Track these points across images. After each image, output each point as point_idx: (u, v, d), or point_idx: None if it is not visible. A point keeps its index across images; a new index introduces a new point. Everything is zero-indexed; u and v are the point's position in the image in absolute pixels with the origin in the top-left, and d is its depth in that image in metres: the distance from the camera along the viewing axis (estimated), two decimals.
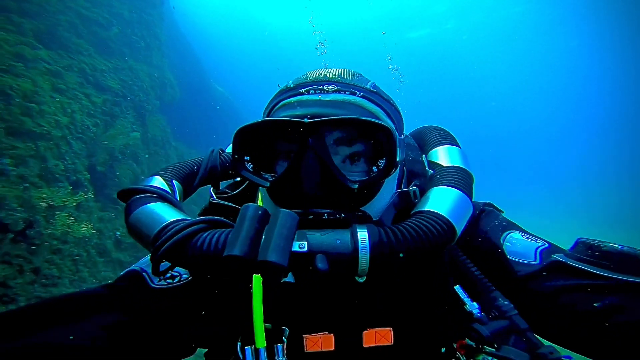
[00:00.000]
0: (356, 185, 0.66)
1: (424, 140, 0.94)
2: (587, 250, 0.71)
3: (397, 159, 0.68)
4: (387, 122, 0.74)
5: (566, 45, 32.36)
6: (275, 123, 0.66)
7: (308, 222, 0.64)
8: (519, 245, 0.79)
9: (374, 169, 0.70)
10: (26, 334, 0.63)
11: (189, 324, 0.81)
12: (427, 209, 0.67)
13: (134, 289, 0.79)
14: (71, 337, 0.65)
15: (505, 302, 0.71)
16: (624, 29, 22.55)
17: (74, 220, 4.36)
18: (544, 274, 0.72)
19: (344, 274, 0.59)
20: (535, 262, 0.75)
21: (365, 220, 0.67)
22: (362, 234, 0.59)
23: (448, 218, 0.64)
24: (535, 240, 0.81)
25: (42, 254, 4.35)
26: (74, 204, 4.67)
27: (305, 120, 0.64)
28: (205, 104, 13.43)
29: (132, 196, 0.73)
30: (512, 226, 0.86)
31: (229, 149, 1.20)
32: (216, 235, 0.60)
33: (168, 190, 0.78)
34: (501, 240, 0.81)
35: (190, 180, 0.89)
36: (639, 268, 0.64)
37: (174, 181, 0.83)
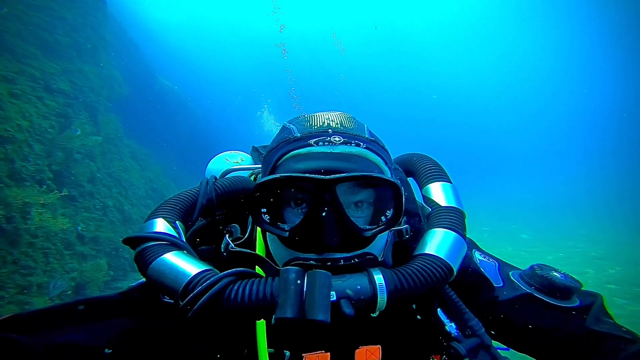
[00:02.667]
0: (369, 234, 0.72)
1: (415, 170, 1.02)
2: (535, 277, 0.91)
3: (403, 210, 0.75)
4: (388, 173, 0.82)
5: (560, 39, 32.63)
6: (296, 179, 0.71)
7: (325, 268, 0.69)
8: (486, 268, 0.95)
9: (383, 218, 0.76)
10: (49, 331, 0.68)
11: (191, 343, 0.84)
12: (428, 252, 0.75)
13: (146, 301, 0.82)
14: (88, 337, 0.70)
15: (475, 322, 0.83)
16: (619, 21, 22.90)
17: (50, 216, 4.89)
18: (520, 301, 0.89)
19: (364, 313, 0.66)
20: (501, 285, 0.92)
21: (375, 263, 0.73)
22: (379, 279, 0.66)
23: (448, 262, 0.73)
24: (489, 260, 0.99)
25: (20, 247, 4.85)
26: (50, 202, 5.17)
27: (327, 177, 0.69)
28: (153, 98, 13.50)
29: (140, 244, 0.73)
30: (471, 244, 1.00)
31: (211, 166, 1.37)
32: (247, 287, 0.63)
33: (175, 234, 0.78)
34: (473, 259, 0.95)
35: (189, 216, 0.89)
36: (569, 294, 0.88)
37: (177, 222, 0.83)
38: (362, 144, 0.78)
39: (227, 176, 1.08)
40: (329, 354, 0.82)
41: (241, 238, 0.90)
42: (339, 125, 0.80)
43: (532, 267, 0.95)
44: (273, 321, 0.61)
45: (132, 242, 0.75)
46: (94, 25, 8.34)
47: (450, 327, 0.84)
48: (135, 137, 10.81)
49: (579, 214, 16.88)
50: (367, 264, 0.72)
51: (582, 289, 0.91)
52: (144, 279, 0.81)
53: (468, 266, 0.92)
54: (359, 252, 0.73)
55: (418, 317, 0.87)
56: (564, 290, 0.88)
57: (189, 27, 29.08)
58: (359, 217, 0.77)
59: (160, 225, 0.80)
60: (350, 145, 0.76)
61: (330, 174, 0.70)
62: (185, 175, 13.99)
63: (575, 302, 0.88)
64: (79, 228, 6.98)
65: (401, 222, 0.85)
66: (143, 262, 0.70)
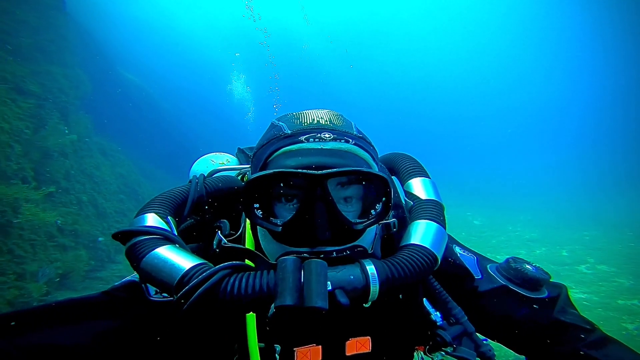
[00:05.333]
0: (360, 227, 0.75)
1: (397, 168, 1.09)
2: (510, 269, 1.00)
3: (392, 204, 0.78)
4: (376, 168, 0.85)
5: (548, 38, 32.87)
6: (288, 174, 0.73)
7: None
8: (466, 261, 1.01)
9: (372, 212, 0.79)
10: (26, 333, 0.68)
11: (181, 339, 0.84)
12: (414, 242, 0.79)
13: (131, 299, 0.82)
14: (67, 339, 0.70)
15: (457, 310, 0.90)
16: (609, 13, 22.92)
17: (38, 210, 5.48)
18: (496, 293, 0.97)
19: (357, 303, 0.68)
20: (480, 277, 0.99)
21: (365, 254, 0.77)
22: (371, 269, 0.69)
23: (433, 250, 0.77)
24: (468, 254, 1.06)
25: (12, 238, 5.40)
26: (33, 197, 5.72)
27: (319, 172, 0.71)
28: (117, 94, 13.59)
29: (132, 238, 0.73)
30: (452, 239, 1.06)
31: (196, 168, 1.36)
32: (244, 279, 0.65)
33: (167, 228, 0.78)
34: (455, 252, 1.02)
35: (180, 212, 0.89)
36: (538, 286, 0.97)
37: (168, 217, 0.83)
38: (351, 140, 0.80)
39: (215, 175, 1.11)
40: (320, 346, 0.85)
41: (233, 234, 0.91)
42: (328, 123, 0.83)
43: (507, 261, 1.04)
44: (272, 310, 0.63)
45: (123, 236, 0.74)
46: (55, 27, 8.53)
47: (436, 316, 0.89)
48: (103, 134, 11.07)
49: (521, 200, 18.75)
50: (358, 255, 0.75)
51: (550, 280, 0.99)
52: (127, 278, 0.84)
53: (450, 258, 0.98)
54: (349, 245, 0.76)
55: (405, 306, 0.90)
56: (535, 282, 0.97)
57: (146, 14, 28.06)
58: (349, 212, 0.80)
59: (152, 219, 0.80)
60: (340, 141, 0.79)
61: (321, 170, 0.72)
62: (155, 170, 14.31)
63: (544, 293, 0.97)
64: (59, 222, 7.47)
65: (389, 215, 0.88)
66: (135, 256, 0.70)
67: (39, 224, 6.22)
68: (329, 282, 0.65)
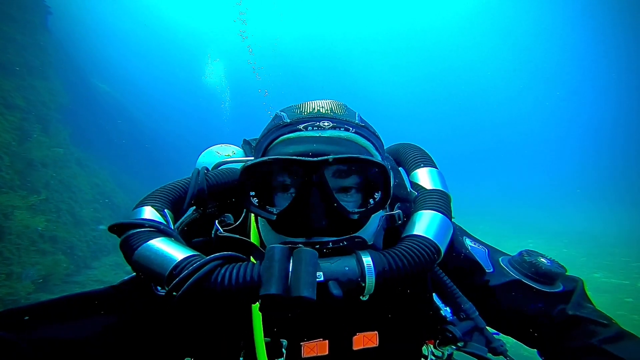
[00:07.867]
0: (356, 217, 0.73)
1: (403, 158, 1.06)
2: (524, 263, 0.97)
3: (391, 192, 0.76)
4: (378, 157, 0.83)
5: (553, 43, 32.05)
6: (284, 161, 0.72)
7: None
8: (477, 254, 0.99)
9: (371, 201, 0.77)
10: (37, 327, 0.69)
11: (188, 335, 0.85)
12: (416, 233, 0.76)
13: (139, 294, 0.82)
14: (75, 333, 0.71)
15: (468, 305, 0.89)
16: (617, 26, 22.67)
17: (28, 216, 6.03)
18: (509, 287, 0.94)
19: (353, 295, 0.66)
20: (491, 271, 0.97)
21: (364, 246, 0.74)
22: (367, 260, 0.67)
23: (435, 242, 0.74)
24: (479, 246, 1.04)
25: (2, 242, 5.88)
26: (19, 204, 6.23)
27: (315, 159, 0.69)
28: (92, 106, 13.88)
29: (127, 230, 0.73)
30: (462, 231, 1.06)
31: (202, 160, 1.33)
32: (235, 270, 0.64)
33: (162, 221, 0.78)
34: (465, 245, 1.00)
35: (179, 206, 0.89)
36: (553, 280, 0.94)
37: (165, 210, 0.83)
38: (351, 128, 0.79)
39: (219, 168, 1.11)
40: (327, 341, 0.85)
41: (231, 224, 0.90)
42: (328, 111, 0.82)
43: (520, 254, 1.02)
44: (259, 301, 0.61)
45: (118, 229, 0.75)
46: (40, 44, 9.00)
47: (446, 311, 0.89)
48: (79, 145, 11.42)
49: (479, 212, 19.98)
50: (355, 246, 0.73)
51: (566, 274, 0.97)
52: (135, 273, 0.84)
53: (461, 252, 0.98)
54: (348, 236, 0.74)
55: (412, 301, 0.89)
56: (550, 276, 0.94)
57: (116, 20, 27.75)
58: (349, 202, 0.78)
59: (148, 212, 0.81)
60: (340, 129, 0.78)
61: (317, 157, 0.71)
62: (129, 179, 14.59)
63: (559, 287, 0.95)
64: (39, 228, 7.87)
65: (394, 207, 0.90)
66: (129, 248, 0.70)
67: (23, 229, 6.69)
68: (321, 273, 0.64)
